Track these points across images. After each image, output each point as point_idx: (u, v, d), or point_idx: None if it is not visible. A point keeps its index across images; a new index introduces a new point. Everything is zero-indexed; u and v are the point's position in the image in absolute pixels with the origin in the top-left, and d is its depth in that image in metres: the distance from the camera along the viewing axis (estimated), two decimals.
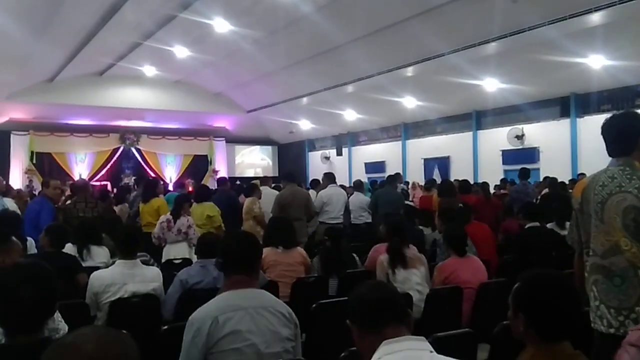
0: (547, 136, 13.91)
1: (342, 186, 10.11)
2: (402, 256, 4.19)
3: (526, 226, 5.55)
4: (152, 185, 8.10)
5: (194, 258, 6.12)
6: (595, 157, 13.58)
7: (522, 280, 1.78)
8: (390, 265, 4.17)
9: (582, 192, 2.52)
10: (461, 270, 3.98)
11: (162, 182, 10.54)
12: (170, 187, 17.81)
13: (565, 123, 13.48)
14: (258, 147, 23.78)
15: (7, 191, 10.35)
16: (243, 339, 2.33)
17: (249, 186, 8.50)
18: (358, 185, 9.73)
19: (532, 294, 1.73)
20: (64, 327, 2.65)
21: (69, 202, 7.89)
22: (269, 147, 24.00)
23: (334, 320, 3.10)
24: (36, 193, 11.36)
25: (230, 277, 2.52)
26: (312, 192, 9.18)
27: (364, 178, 17.24)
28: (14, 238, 2.89)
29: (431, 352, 1.68)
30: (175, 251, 6.21)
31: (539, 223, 5.54)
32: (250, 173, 22.99)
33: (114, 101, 17.94)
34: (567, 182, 10.33)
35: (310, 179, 14.41)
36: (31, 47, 12.21)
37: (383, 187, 9.51)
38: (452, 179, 13.23)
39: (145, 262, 4.63)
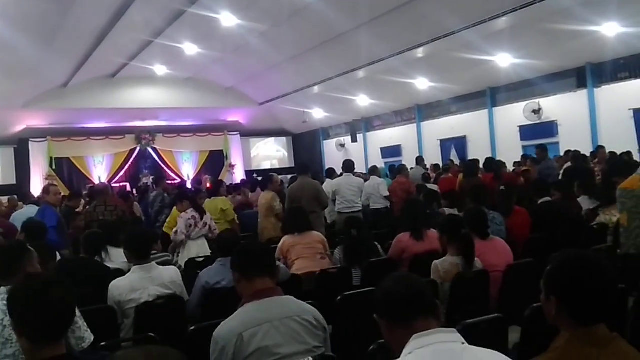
0: (564, 109, 13.67)
1: (359, 173, 10.08)
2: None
3: (539, 202, 5.63)
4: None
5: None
6: (614, 127, 13.44)
7: (553, 262, 1.72)
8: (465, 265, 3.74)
9: None
10: (486, 253, 3.91)
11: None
12: (189, 185, 17.96)
13: (582, 94, 13.24)
14: (273, 138, 23.77)
15: (27, 198, 10.51)
16: (270, 354, 2.24)
17: (266, 178, 8.27)
18: (373, 170, 9.71)
19: (564, 276, 1.67)
20: (89, 336, 2.65)
21: (88, 207, 7.97)
22: (284, 138, 23.98)
23: (359, 312, 3.08)
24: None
25: (253, 282, 2.42)
26: (328, 182, 9.14)
27: (381, 163, 17.19)
28: (28, 245, 2.94)
29: (463, 343, 1.64)
30: (198, 247, 6.23)
31: (549, 198, 5.62)
32: (266, 165, 23.04)
33: (128, 102, 18.03)
34: (588, 155, 10.15)
35: (327, 167, 14.38)
36: (43, 55, 12.30)
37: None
38: (469, 159, 13.16)
39: (168, 262, 4.67)
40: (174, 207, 7.24)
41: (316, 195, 7.09)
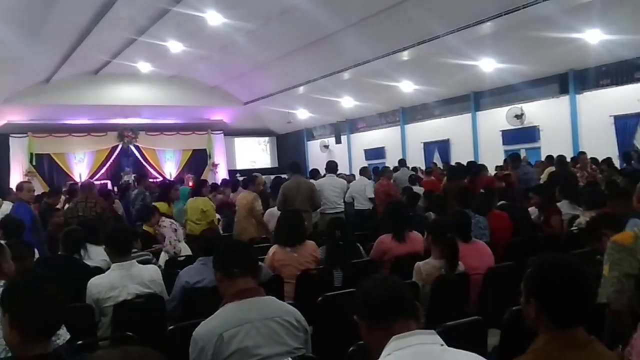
0: (546, 114, 13.82)
1: (343, 174, 10.09)
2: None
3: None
4: (164, 189, 7.98)
5: None
6: (595, 133, 13.55)
7: (533, 265, 1.74)
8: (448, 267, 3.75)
9: None
10: (467, 256, 3.93)
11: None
12: None
13: (564, 100, 13.39)
14: (256, 138, 23.69)
15: (7, 194, 10.35)
16: (250, 355, 2.23)
17: (248, 178, 8.19)
18: (363, 171, 9.79)
19: (543, 280, 1.69)
20: (65, 334, 2.61)
21: (67, 205, 7.87)
22: (268, 138, 23.92)
23: (340, 313, 3.08)
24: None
25: (235, 282, 2.41)
26: (311, 182, 9.12)
27: (364, 165, 17.22)
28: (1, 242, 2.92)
29: (442, 345, 1.64)
30: (183, 249, 6.20)
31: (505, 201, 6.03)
32: (250, 165, 22.95)
33: (110, 99, 17.85)
34: (569, 160, 10.27)
35: (310, 168, 14.37)
36: (26, 49, 12.14)
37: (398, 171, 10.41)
38: (453, 162, 13.26)
39: (148, 261, 4.61)
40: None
41: (311, 195, 7.12)
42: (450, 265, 3.71)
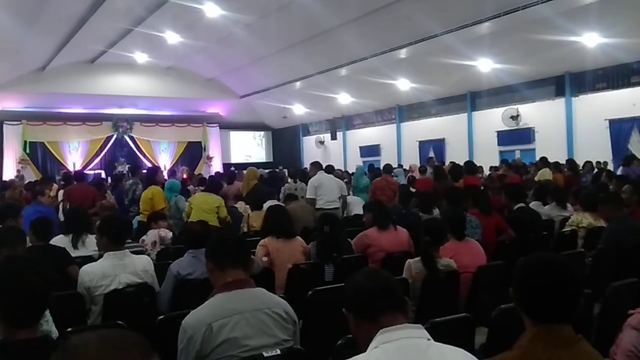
0: (542, 116, 13.87)
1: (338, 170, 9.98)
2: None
3: (515, 207, 5.76)
4: (150, 173, 7.87)
5: None
6: (590, 136, 13.58)
7: (521, 260, 1.79)
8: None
9: None
10: (461, 254, 3.94)
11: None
12: (165, 175, 17.77)
13: (560, 102, 13.44)
14: (252, 132, 23.67)
15: None
16: (239, 345, 2.23)
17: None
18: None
19: (522, 273, 1.74)
20: (55, 331, 2.61)
21: (60, 191, 7.84)
22: (263, 133, 23.91)
23: (329, 307, 3.08)
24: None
25: (226, 273, 2.42)
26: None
27: (359, 162, 17.25)
28: None
29: (428, 339, 1.65)
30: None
31: (524, 204, 5.83)
32: (245, 159, 22.92)
33: (106, 89, 17.81)
34: (561, 163, 10.33)
35: (305, 164, 14.37)
36: (22, 36, 12.08)
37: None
38: (447, 162, 13.29)
39: (140, 252, 4.60)
40: (144, 192, 7.20)
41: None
42: (428, 268, 3.70)
